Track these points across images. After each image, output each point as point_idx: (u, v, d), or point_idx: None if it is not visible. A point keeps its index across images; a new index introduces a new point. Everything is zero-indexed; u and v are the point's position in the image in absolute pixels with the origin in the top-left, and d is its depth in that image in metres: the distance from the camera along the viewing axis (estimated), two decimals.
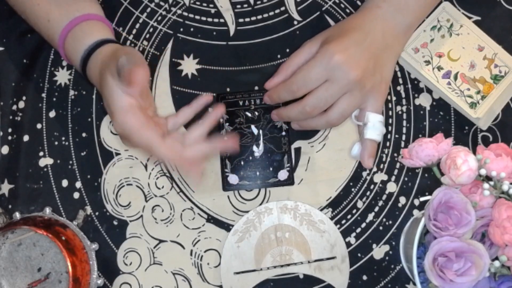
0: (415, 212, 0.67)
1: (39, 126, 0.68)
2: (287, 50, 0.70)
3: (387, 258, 0.66)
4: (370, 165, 0.64)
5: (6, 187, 0.67)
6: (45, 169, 0.67)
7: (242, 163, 0.66)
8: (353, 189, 0.67)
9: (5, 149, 0.67)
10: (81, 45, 0.60)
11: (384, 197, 0.67)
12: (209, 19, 0.70)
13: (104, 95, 0.57)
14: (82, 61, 0.61)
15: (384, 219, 0.67)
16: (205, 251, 0.66)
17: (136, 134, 0.55)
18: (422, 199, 0.67)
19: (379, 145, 0.67)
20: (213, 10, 0.70)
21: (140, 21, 0.70)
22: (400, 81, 0.70)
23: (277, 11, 0.71)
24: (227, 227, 0.66)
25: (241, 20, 0.70)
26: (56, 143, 0.68)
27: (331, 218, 0.66)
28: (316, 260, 0.65)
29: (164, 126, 0.60)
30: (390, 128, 0.68)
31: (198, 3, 0.71)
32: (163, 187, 0.67)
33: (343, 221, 0.67)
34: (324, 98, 0.60)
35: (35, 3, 0.62)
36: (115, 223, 0.66)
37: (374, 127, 0.62)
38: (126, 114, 0.55)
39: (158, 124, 0.59)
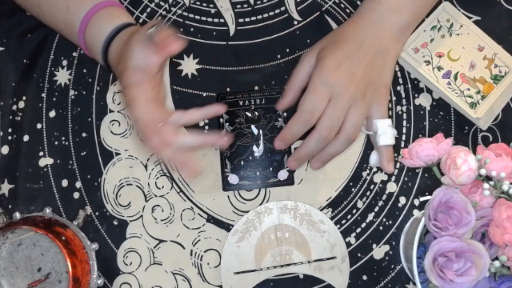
0: (415, 212, 0.67)
1: (39, 126, 0.68)
2: (287, 50, 0.70)
3: (387, 258, 0.66)
4: (392, 169, 0.64)
5: (6, 187, 0.67)
6: (45, 169, 0.67)
7: (242, 163, 0.66)
8: (353, 189, 0.67)
9: (5, 149, 0.67)
10: (105, 29, 0.61)
11: (384, 197, 0.67)
12: (209, 19, 0.70)
13: (124, 58, 0.57)
14: (106, 42, 0.60)
15: (384, 219, 0.67)
16: (205, 251, 0.66)
17: (140, 103, 0.55)
18: (422, 199, 0.67)
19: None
20: (213, 10, 0.70)
21: (140, 21, 0.70)
22: (400, 81, 0.70)
23: (277, 11, 0.71)
24: (227, 227, 0.66)
25: (241, 20, 0.70)
26: (56, 143, 0.68)
27: (331, 218, 0.66)
28: (316, 260, 0.65)
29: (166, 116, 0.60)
30: None
31: (198, 3, 0.71)
32: (163, 187, 0.67)
33: (343, 221, 0.67)
34: (335, 116, 0.60)
35: None
36: (115, 223, 0.66)
37: (385, 133, 0.62)
38: (137, 72, 0.55)
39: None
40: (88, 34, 0.62)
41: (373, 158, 0.65)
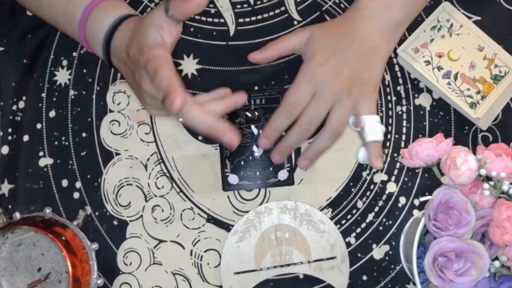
0: (415, 212, 0.67)
1: (39, 126, 0.68)
2: None
3: (387, 258, 0.66)
4: (380, 165, 0.63)
5: (6, 187, 0.67)
6: (45, 169, 0.67)
7: (242, 163, 0.66)
8: (353, 189, 0.67)
9: (5, 149, 0.67)
10: (108, 19, 0.60)
11: (384, 197, 0.67)
12: (209, 19, 0.70)
13: (138, 41, 0.56)
14: (108, 32, 0.60)
15: (384, 219, 0.67)
16: (205, 251, 0.66)
17: (166, 67, 0.54)
18: (422, 199, 0.67)
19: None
20: (213, 10, 0.70)
21: None
22: (400, 81, 0.70)
23: (277, 11, 0.71)
24: (227, 227, 0.66)
25: (241, 20, 0.70)
26: (56, 143, 0.68)
27: (331, 218, 0.66)
28: (316, 260, 0.65)
29: None
30: (390, 128, 0.68)
31: None
32: (163, 187, 0.67)
33: (343, 221, 0.67)
34: (315, 112, 0.60)
35: None
36: (115, 223, 0.66)
37: (372, 129, 0.62)
38: (157, 48, 0.55)
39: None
40: (89, 24, 0.62)
41: (361, 154, 0.64)
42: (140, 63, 0.55)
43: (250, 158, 0.67)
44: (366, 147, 0.64)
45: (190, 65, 0.69)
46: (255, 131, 0.67)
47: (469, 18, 0.70)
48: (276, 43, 0.65)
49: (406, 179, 0.67)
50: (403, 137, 0.68)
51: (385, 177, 0.67)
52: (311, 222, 0.65)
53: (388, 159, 0.68)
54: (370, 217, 0.67)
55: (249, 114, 0.68)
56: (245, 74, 0.69)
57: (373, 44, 0.62)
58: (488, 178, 0.57)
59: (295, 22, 0.70)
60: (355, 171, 0.67)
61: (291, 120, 0.62)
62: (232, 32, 0.70)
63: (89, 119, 0.68)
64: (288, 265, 0.65)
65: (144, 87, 0.56)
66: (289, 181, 0.66)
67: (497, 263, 0.54)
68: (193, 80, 0.69)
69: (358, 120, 0.63)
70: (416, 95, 0.69)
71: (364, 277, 0.66)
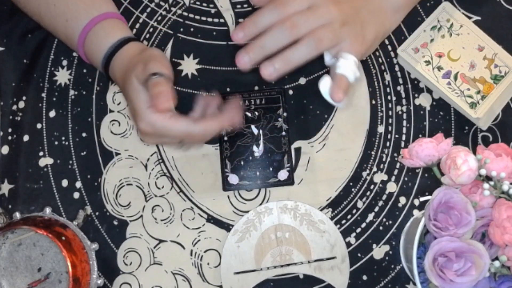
0: (415, 212, 0.67)
1: (39, 126, 0.68)
2: None
3: (387, 258, 0.66)
4: (341, 97, 0.58)
5: (6, 187, 0.67)
6: (45, 169, 0.67)
7: (242, 163, 0.66)
8: (353, 189, 0.67)
9: (5, 149, 0.67)
10: (103, 44, 0.61)
11: (384, 197, 0.67)
12: (209, 19, 0.70)
13: (129, 96, 0.58)
14: (105, 59, 0.61)
15: (384, 219, 0.67)
16: (205, 251, 0.66)
17: (170, 127, 0.56)
18: (422, 199, 0.67)
19: (378, 144, 0.67)
20: (213, 10, 0.70)
21: (140, 21, 0.70)
22: (400, 81, 0.70)
23: None
24: (227, 227, 0.66)
25: (241, 20, 0.70)
26: (56, 143, 0.68)
27: (331, 218, 0.66)
28: (316, 260, 0.65)
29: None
30: (390, 128, 0.68)
31: (198, 3, 0.71)
32: (163, 187, 0.67)
33: (343, 221, 0.67)
34: (304, 19, 0.56)
35: (51, 3, 0.62)
36: (115, 223, 0.66)
37: (347, 64, 0.58)
38: (153, 113, 0.56)
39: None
40: (86, 49, 0.63)
41: (324, 83, 0.59)
42: (142, 128, 0.57)
43: (250, 158, 0.67)
44: (332, 78, 0.59)
45: (190, 65, 0.69)
46: (255, 131, 0.67)
47: (469, 18, 0.70)
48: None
49: (406, 179, 0.67)
50: (403, 137, 0.68)
51: (385, 177, 0.67)
52: (311, 222, 0.65)
53: (388, 159, 0.68)
54: (370, 217, 0.67)
55: (249, 114, 0.68)
56: (245, 74, 0.69)
57: (375, 7, 0.62)
58: (488, 178, 0.57)
59: None
60: (355, 171, 0.67)
61: (273, 19, 0.56)
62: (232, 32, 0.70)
63: (89, 119, 0.68)
64: (288, 265, 0.65)
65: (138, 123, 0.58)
66: (289, 181, 0.66)
67: (497, 263, 0.54)
68: (193, 80, 0.69)
69: (337, 56, 0.59)
70: (416, 95, 0.69)
71: (364, 277, 0.66)
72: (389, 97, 0.69)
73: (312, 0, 0.58)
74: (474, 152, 0.57)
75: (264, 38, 0.56)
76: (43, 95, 0.69)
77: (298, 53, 0.56)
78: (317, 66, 0.69)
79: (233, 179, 0.66)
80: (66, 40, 0.65)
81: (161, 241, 0.66)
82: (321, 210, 0.66)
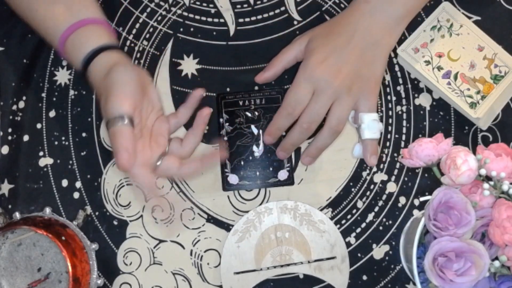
0: (415, 212, 0.67)
1: (39, 126, 0.68)
2: None
3: (387, 258, 0.66)
4: (374, 162, 0.65)
5: (6, 187, 0.67)
6: (45, 169, 0.67)
7: (242, 163, 0.66)
8: (353, 189, 0.67)
9: (5, 149, 0.67)
10: (79, 52, 0.59)
11: (384, 197, 0.67)
12: (209, 19, 0.70)
13: (101, 105, 0.58)
14: (82, 67, 0.60)
15: (384, 219, 0.67)
16: (205, 251, 0.66)
17: (137, 180, 0.57)
18: (422, 199, 0.67)
19: (379, 143, 0.68)
20: (213, 10, 0.70)
21: (140, 21, 0.70)
22: (400, 81, 0.70)
23: (277, 11, 0.71)
24: (227, 227, 0.66)
25: (241, 20, 0.70)
26: (56, 143, 0.68)
27: (331, 218, 0.66)
28: (316, 260, 0.65)
29: (164, 144, 0.61)
30: (390, 128, 0.68)
31: (198, 3, 0.71)
32: (163, 187, 0.67)
33: (343, 221, 0.67)
34: (315, 111, 0.61)
35: (33, 8, 0.62)
36: (115, 223, 0.66)
37: (369, 127, 0.63)
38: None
39: (156, 142, 0.60)
40: (66, 55, 0.61)
41: (357, 150, 0.66)
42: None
43: (250, 158, 0.67)
44: (362, 143, 0.65)
45: (190, 65, 0.69)
46: (255, 131, 0.67)
47: (469, 18, 0.70)
48: (277, 59, 0.66)
49: (406, 179, 0.67)
50: (403, 137, 0.68)
51: (385, 177, 0.67)
52: (311, 222, 0.65)
53: (388, 159, 0.68)
54: (370, 217, 0.67)
55: (249, 114, 0.68)
56: (245, 74, 0.69)
57: (374, 39, 0.62)
58: (488, 178, 0.57)
59: (295, 22, 0.70)
60: (355, 171, 0.67)
61: (292, 120, 0.63)
62: (232, 32, 0.70)
63: (89, 119, 0.68)
64: (288, 265, 0.65)
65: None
66: (289, 181, 0.66)
67: (497, 263, 0.54)
68: (193, 80, 0.69)
69: (357, 116, 0.64)
70: (416, 95, 0.69)
71: (364, 277, 0.66)
72: (389, 97, 0.69)
73: (314, 86, 0.61)
74: (474, 152, 0.57)
75: (289, 139, 0.64)
76: (43, 95, 0.69)
77: (324, 139, 0.63)
78: None
79: (233, 179, 0.66)
80: (51, 46, 0.65)
81: (161, 241, 0.66)
82: (321, 210, 0.66)
